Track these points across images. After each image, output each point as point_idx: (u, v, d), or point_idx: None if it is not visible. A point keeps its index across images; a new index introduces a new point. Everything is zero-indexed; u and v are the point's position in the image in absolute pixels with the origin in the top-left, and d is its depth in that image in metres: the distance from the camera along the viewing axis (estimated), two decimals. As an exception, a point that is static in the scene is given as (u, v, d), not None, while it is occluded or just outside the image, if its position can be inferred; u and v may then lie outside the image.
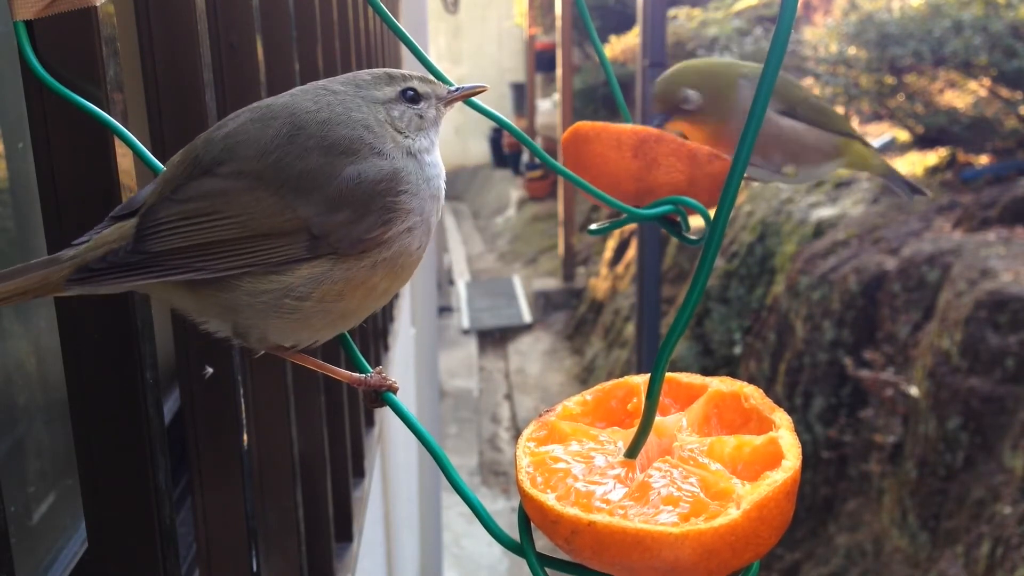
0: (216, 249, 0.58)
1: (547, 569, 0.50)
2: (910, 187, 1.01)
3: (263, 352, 0.64)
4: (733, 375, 0.59)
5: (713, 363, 5.97)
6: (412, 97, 0.64)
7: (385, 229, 0.59)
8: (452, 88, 0.67)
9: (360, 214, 0.58)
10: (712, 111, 0.89)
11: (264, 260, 0.58)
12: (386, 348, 2.52)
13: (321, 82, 0.64)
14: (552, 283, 9.93)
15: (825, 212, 5.83)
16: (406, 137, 0.62)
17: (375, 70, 0.65)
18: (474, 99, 0.72)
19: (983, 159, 5.77)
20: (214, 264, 0.58)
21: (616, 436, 0.53)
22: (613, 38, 10.29)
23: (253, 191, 0.58)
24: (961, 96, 5.96)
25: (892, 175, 0.99)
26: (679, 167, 0.81)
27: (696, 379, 0.56)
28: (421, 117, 0.64)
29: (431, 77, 0.67)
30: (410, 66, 3.97)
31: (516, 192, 13.25)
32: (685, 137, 0.88)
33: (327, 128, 0.60)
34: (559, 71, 9.86)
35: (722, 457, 0.49)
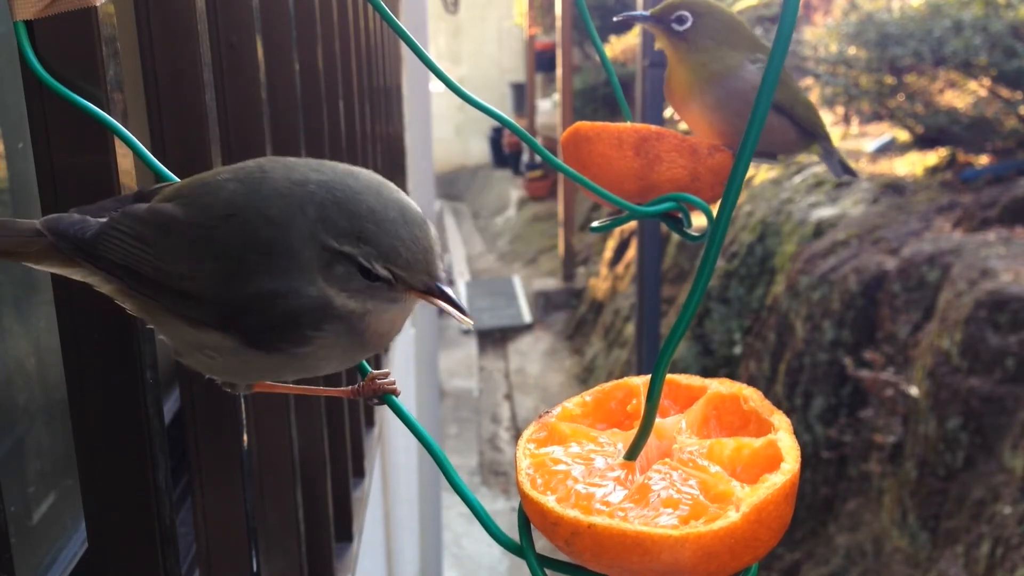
0: (136, 281, 0.56)
1: (547, 570, 0.50)
2: (844, 167, 1.05)
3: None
4: (733, 375, 0.59)
5: (713, 363, 5.96)
6: (364, 271, 0.51)
7: (299, 345, 0.53)
8: (437, 287, 0.52)
9: (272, 328, 0.53)
10: (702, 53, 0.87)
11: (176, 312, 0.55)
12: (386, 349, 2.52)
13: (302, 180, 0.52)
14: (552, 283, 9.93)
15: (825, 212, 5.83)
16: (340, 292, 0.52)
17: (359, 205, 0.51)
18: (475, 98, 0.72)
19: (983, 159, 5.77)
20: (136, 292, 0.56)
21: (616, 438, 0.53)
22: (613, 38, 10.29)
23: (181, 245, 0.54)
24: (961, 96, 5.96)
25: (833, 154, 1.03)
26: (681, 162, 0.81)
27: (695, 381, 0.56)
28: (369, 290, 0.52)
29: (418, 256, 0.51)
30: (411, 66, 3.96)
31: (516, 192, 13.25)
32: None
33: (259, 222, 0.52)
34: (559, 71, 9.86)
35: (721, 459, 0.49)
